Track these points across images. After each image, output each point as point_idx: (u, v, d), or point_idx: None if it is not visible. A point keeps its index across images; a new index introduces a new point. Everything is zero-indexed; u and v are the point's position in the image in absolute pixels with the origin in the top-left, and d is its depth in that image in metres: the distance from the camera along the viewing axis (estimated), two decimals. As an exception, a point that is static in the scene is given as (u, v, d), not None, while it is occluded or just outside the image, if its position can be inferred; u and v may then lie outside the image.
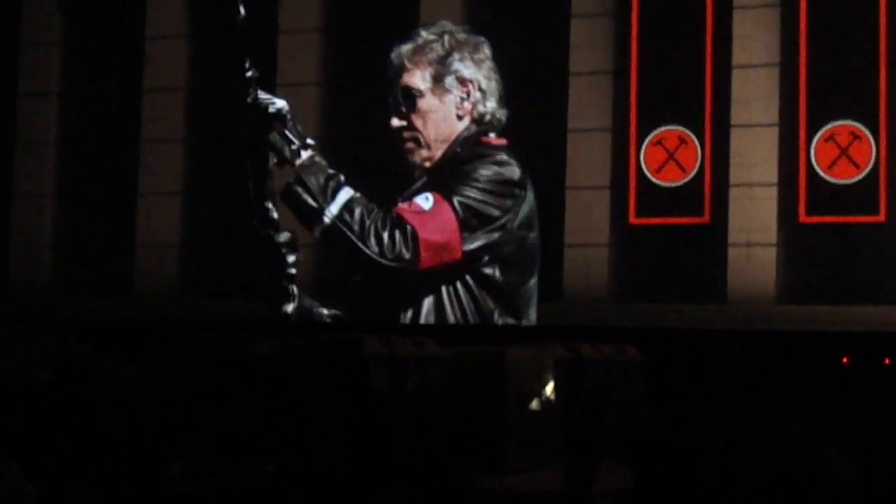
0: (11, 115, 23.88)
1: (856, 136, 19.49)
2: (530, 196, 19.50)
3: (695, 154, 20.13)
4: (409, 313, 19.45)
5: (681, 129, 20.23)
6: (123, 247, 22.75)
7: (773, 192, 19.77)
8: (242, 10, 18.62)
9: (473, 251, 18.98)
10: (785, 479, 7.47)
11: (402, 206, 18.98)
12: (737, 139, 19.95)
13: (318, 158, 18.94)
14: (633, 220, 20.44)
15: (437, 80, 19.57)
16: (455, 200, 18.83)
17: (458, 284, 19.20)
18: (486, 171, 19.26)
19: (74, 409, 8.16)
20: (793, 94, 19.74)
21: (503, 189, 19.21)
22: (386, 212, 18.92)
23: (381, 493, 8.19)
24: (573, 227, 20.46)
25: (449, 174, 19.17)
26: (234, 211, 20.45)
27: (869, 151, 19.42)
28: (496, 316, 19.34)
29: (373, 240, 18.53)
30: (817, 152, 19.60)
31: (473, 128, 19.55)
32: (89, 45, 23.70)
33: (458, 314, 19.20)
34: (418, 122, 19.60)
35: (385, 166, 20.03)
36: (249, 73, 18.44)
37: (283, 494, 9.02)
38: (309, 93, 21.96)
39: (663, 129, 20.29)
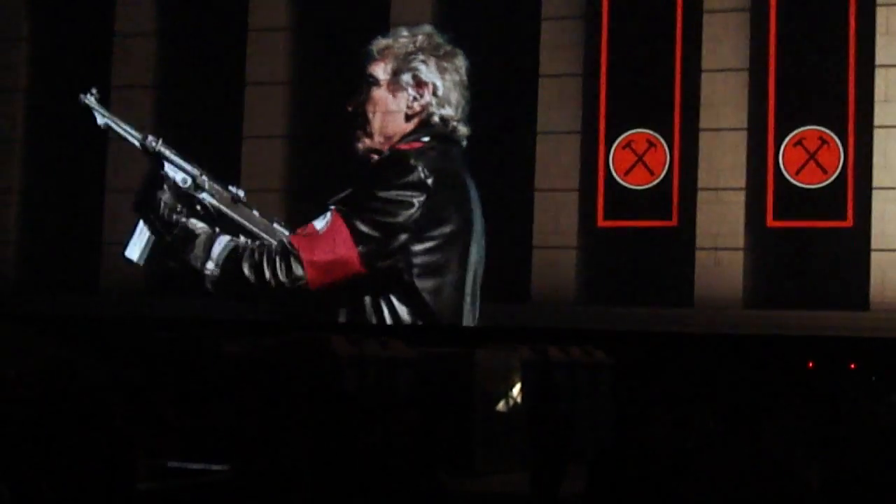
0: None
1: (824, 141, 19.56)
2: (444, 195, 19.43)
3: (663, 157, 20.16)
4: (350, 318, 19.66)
5: (650, 132, 20.27)
6: (90, 244, 22.62)
7: (740, 197, 19.83)
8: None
9: (382, 262, 19.09)
10: (751, 482, 7.48)
11: (299, 230, 19.29)
12: (705, 143, 19.99)
13: (188, 223, 19.20)
14: (601, 222, 20.46)
15: (395, 74, 19.67)
16: (352, 217, 18.97)
17: (388, 293, 19.37)
18: (384, 181, 19.31)
19: (43, 406, 8.11)
20: (762, 98, 19.80)
21: (401, 195, 19.20)
22: (274, 243, 19.21)
23: (348, 494, 8.16)
24: (541, 229, 20.47)
25: (358, 185, 19.39)
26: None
27: (837, 156, 19.49)
28: (425, 317, 19.44)
29: (266, 273, 18.93)
30: (785, 157, 19.66)
31: (421, 131, 19.56)
32: (57, 41, 23.56)
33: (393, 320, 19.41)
34: (369, 111, 19.73)
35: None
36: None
37: (249, 495, 8.98)
38: (276, 92, 21.93)
39: (633, 132, 20.32)
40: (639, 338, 19.01)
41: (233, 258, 18.97)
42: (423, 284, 19.24)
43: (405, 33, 19.90)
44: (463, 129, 19.69)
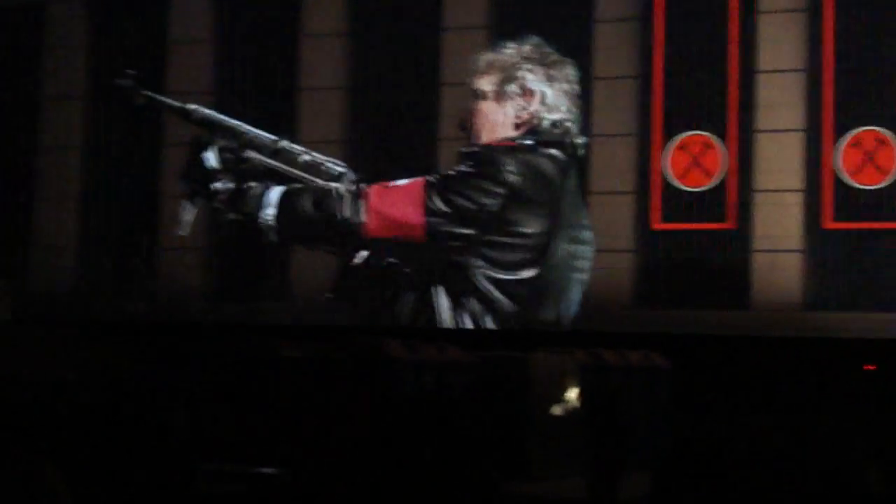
0: (36, 119, 23.97)
1: (881, 141, 19.41)
2: (529, 196, 19.36)
3: (719, 159, 20.07)
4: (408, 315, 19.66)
5: (706, 134, 20.18)
6: (147, 250, 22.79)
7: (798, 199, 19.70)
8: None
9: (440, 236, 19.09)
10: (810, 486, 7.44)
11: (381, 182, 19.46)
12: (762, 144, 19.88)
13: (232, 184, 19.32)
14: (656, 225, 20.39)
15: (502, 84, 19.62)
16: (432, 188, 19.02)
17: (445, 279, 19.36)
18: (470, 168, 19.33)
19: (103, 411, 8.18)
20: (819, 99, 19.67)
21: (482, 185, 19.22)
22: (339, 186, 19.32)
23: (406, 497, 8.18)
24: (597, 232, 20.42)
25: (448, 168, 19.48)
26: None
27: (894, 157, 19.34)
28: (481, 315, 19.41)
29: (328, 211, 19.02)
30: (843, 158, 19.52)
31: (526, 135, 19.50)
32: (114, 49, 23.74)
33: (455, 316, 19.38)
34: (476, 123, 19.70)
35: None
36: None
37: (306, 498, 9.02)
38: (332, 97, 22.01)
39: (688, 134, 20.24)
40: (695, 341, 18.92)
41: (291, 201, 19.10)
42: (491, 279, 19.21)
43: (510, 45, 19.87)
44: (576, 136, 19.56)
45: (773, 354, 18.51)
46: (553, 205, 19.45)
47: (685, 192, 20.24)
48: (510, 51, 19.85)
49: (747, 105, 20.00)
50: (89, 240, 23.63)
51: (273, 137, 19.36)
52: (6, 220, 24.09)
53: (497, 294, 19.21)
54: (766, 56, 19.94)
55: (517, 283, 19.29)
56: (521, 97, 19.57)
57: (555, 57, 19.81)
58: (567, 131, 19.55)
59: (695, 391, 17.43)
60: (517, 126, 19.54)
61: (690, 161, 20.24)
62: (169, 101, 19.37)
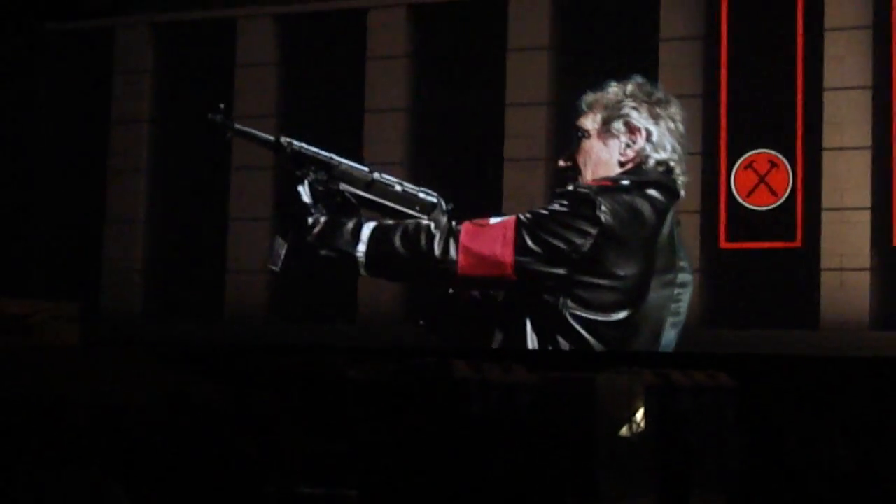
0: (103, 143, 24.25)
1: (950, 158, 19.25)
2: (622, 236, 19.26)
3: (786, 177, 19.96)
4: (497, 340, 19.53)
5: (772, 152, 20.08)
6: (213, 272, 22.96)
7: (866, 216, 19.55)
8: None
9: (530, 275, 19.03)
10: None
11: (474, 220, 19.36)
12: (829, 162, 19.76)
13: (324, 219, 19.34)
14: (723, 244, 20.30)
15: (606, 123, 19.47)
16: (524, 226, 18.92)
17: (535, 316, 19.27)
18: (562, 207, 19.23)
19: (173, 433, 8.23)
20: (887, 116, 19.52)
21: (573, 223, 19.09)
22: (427, 222, 19.30)
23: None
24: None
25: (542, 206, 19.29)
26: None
27: (964, 174, 19.18)
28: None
29: (420, 247, 18.94)
30: (911, 175, 19.38)
31: (625, 174, 19.40)
32: (180, 73, 23.99)
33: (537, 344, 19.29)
34: (580, 162, 19.56)
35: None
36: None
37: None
38: (396, 118, 22.10)
39: (754, 152, 20.15)
40: (763, 361, 18.80)
41: (384, 237, 19.10)
42: (582, 319, 19.12)
43: (613, 84, 19.79)
44: (681, 176, 19.47)
45: (841, 374, 18.36)
46: (648, 246, 19.28)
47: (752, 210, 20.15)
48: (614, 89, 19.68)
49: (813, 123, 19.88)
50: (157, 262, 23.84)
51: (366, 169, 19.38)
52: (75, 244, 24.35)
53: (587, 335, 19.11)
54: (832, 73, 19.83)
55: (608, 325, 19.16)
56: (626, 134, 19.41)
57: (660, 95, 19.63)
58: (671, 171, 19.39)
59: (762, 411, 17.32)
60: (622, 164, 19.38)
61: (756, 179, 20.14)
62: (262, 134, 19.43)
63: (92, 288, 23.96)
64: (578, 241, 18.90)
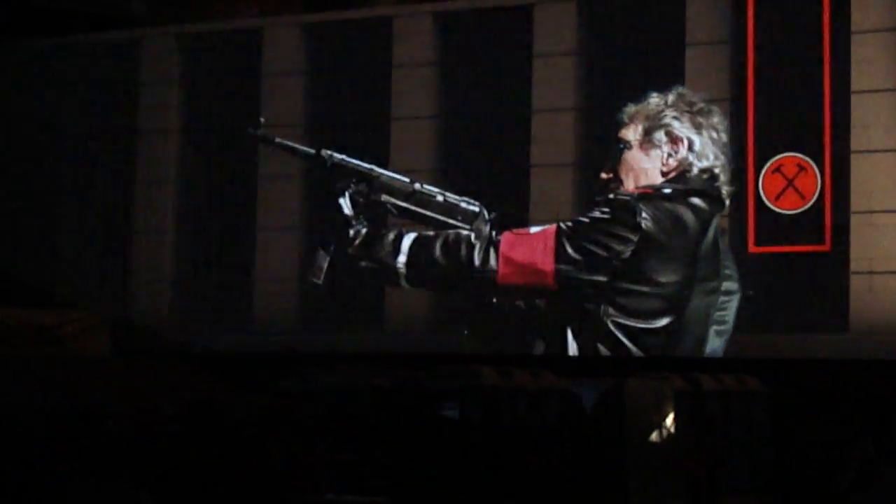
0: (132, 153, 24.35)
1: (980, 160, 19.18)
2: (667, 249, 19.16)
3: (814, 181, 19.89)
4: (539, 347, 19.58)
5: (800, 156, 20.01)
6: (243, 281, 23.02)
7: (895, 219, 19.47)
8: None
9: (571, 283, 18.97)
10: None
11: (514, 230, 19.34)
12: (857, 165, 19.67)
13: (365, 230, 19.38)
14: (752, 248, 20.23)
15: (648, 133, 19.47)
16: (564, 235, 18.88)
17: (576, 324, 19.22)
18: (603, 215, 19.17)
19: (203, 443, 8.25)
20: (914, 119, 19.47)
21: (614, 230, 19.06)
22: (468, 233, 19.29)
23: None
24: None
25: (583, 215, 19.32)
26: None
27: None
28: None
29: (461, 256, 18.95)
30: (939, 178, 19.31)
31: (668, 183, 19.36)
32: (207, 83, 24.07)
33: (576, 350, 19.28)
34: (622, 174, 19.53)
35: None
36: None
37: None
38: (423, 126, 22.12)
39: (782, 156, 20.08)
40: (793, 365, 18.73)
41: (424, 247, 19.12)
42: (623, 326, 19.10)
43: (654, 95, 19.77)
44: (725, 185, 19.40)
45: (870, 378, 18.29)
46: (690, 254, 19.23)
47: (780, 214, 20.08)
48: (655, 100, 19.67)
49: (841, 126, 19.81)
50: (185, 272, 23.91)
51: (407, 179, 19.41)
52: (104, 254, 24.44)
53: (628, 342, 19.07)
54: (860, 76, 19.75)
55: (650, 332, 19.15)
56: (668, 144, 19.37)
57: (701, 105, 19.62)
58: (716, 178, 19.34)
59: (791, 416, 17.26)
60: (664, 174, 19.33)
61: (785, 183, 20.08)
62: (302, 147, 19.53)
63: (121, 298, 24.05)
64: (619, 247, 18.86)
